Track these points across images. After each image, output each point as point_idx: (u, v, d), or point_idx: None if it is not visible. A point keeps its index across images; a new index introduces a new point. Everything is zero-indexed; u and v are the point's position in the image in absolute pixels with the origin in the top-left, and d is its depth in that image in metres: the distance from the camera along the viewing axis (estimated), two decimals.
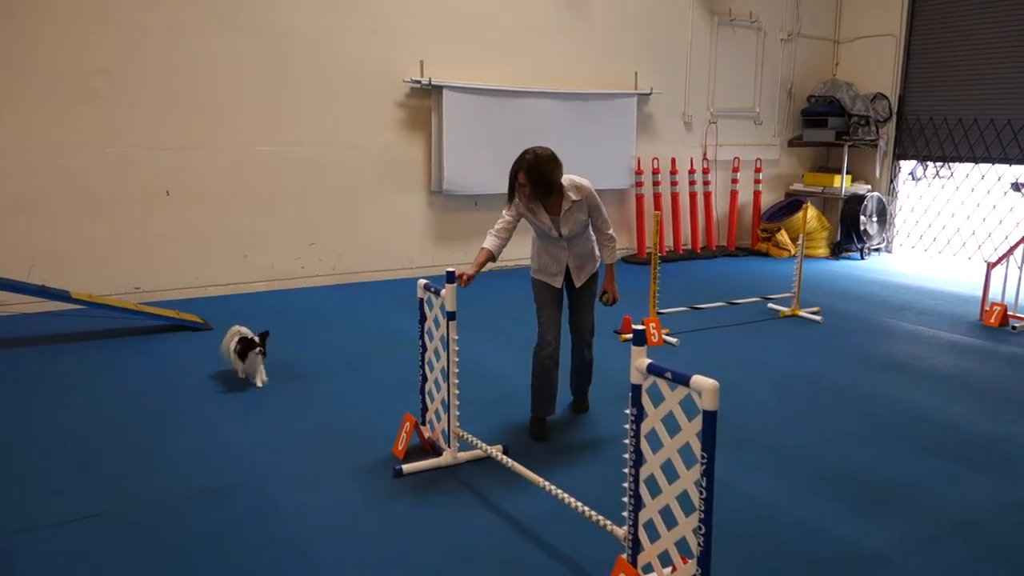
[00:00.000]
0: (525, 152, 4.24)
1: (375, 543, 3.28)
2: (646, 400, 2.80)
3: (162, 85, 7.21)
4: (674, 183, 10.31)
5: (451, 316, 3.87)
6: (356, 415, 4.70)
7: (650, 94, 9.95)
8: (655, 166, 10.13)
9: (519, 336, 6.50)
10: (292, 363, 5.66)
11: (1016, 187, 20.72)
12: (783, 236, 10.80)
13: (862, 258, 10.91)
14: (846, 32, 11.62)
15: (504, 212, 4.46)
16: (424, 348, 4.16)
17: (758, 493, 3.81)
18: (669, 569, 2.79)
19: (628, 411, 2.82)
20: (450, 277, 3.86)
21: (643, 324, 6.38)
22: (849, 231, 10.89)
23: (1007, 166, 10.23)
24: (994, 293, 7.40)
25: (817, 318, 7.25)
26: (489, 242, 4.41)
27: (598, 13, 9.52)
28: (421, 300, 4.15)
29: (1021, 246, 7.18)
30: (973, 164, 10.51)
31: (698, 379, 2.52)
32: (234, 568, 3.07)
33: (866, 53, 11.37)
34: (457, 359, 3.90)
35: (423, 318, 4.15)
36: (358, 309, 7.32)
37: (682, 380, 2.59)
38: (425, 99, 8.54)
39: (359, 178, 8.34)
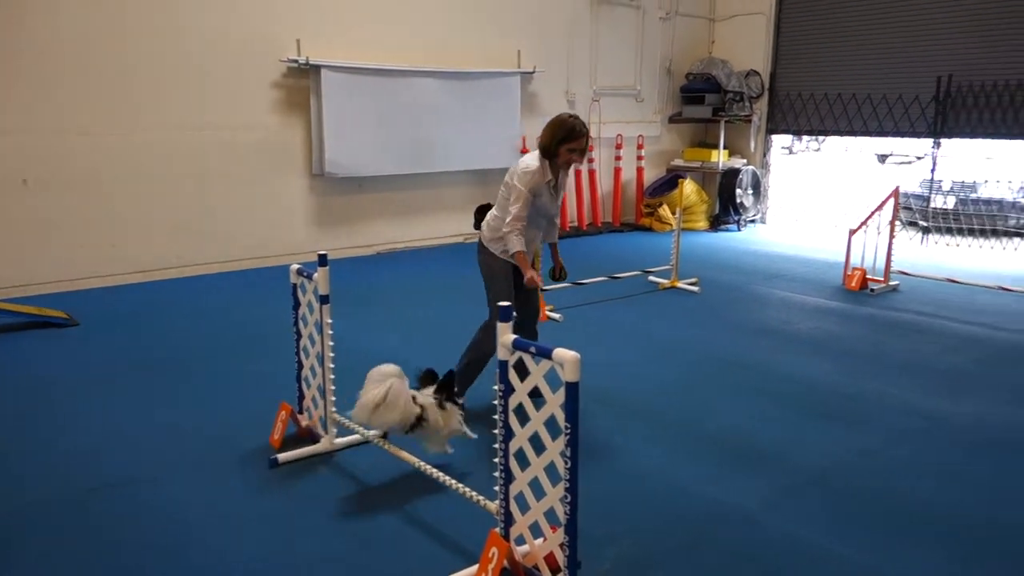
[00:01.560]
0: (567, 117, 4.20)
1: (249, 536, 3.21)
2: (513, 375, 2.83)
3: (14, 64, 6.72)
4: None
5: (324, 300, 3.80)
6: (232, 406, 4.57)
7: (533, 72, 10.01)
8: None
9: (412, 317, 6.47)
10: (166, 356, 5.44)
11: (881, 158, 22.08)
12: (665, 211, 11.12)
13: (739, 230, 11.37)
14: (721, 11, 12.00)
15: (518, 207, 4.12)
16: (299, 334, 4.07)
17: (634, 458, 3.94)
18: (541, 540, 2.85)
19: (496, 387, 2.85)
20: (322, 260, 3.78)
21: None
22: (727, 204, 11.33)
23: (873, 138, 10.85)
24: (856, 259, 7.85)
25: (695, 289, 7.52)
26: (520, 243, 4.18)
27: None
28: (294, 286, 4.06)
29: (877, 213, 7.64)
30: (841, 137, 11.09)
31: (560, 352, 2.57)
32: (98, 573, 2.94)
33: (739, 31, 11.79)
34: (332, 343, 3.84)
35: (296, 304, 4.06)
36: (237, 298, 7.09)
37: (545, 353, 2.63)
38: (303, 79, 8.30)
39: (235, 162, 8.05)
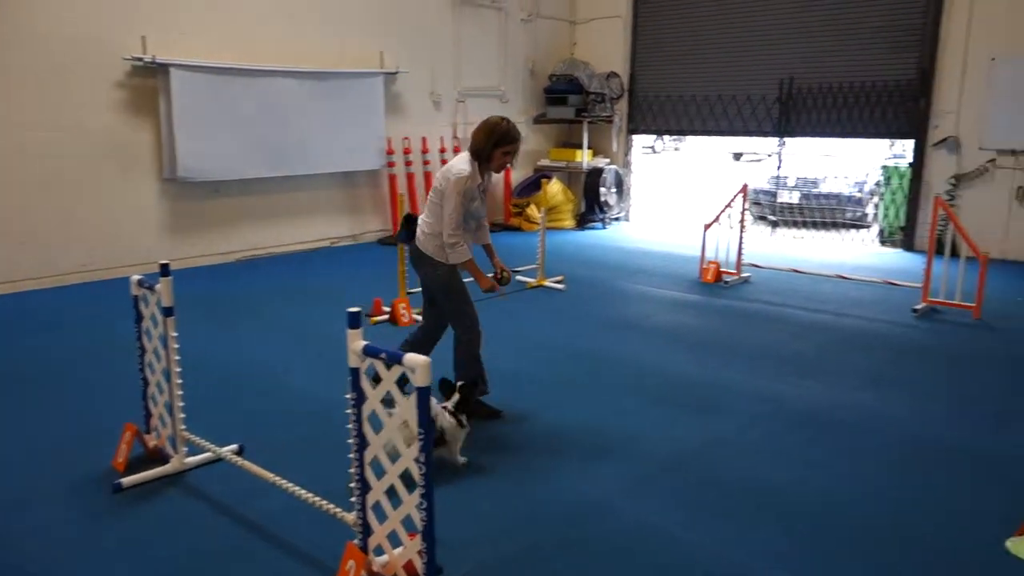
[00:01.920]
0: (499, 120, 4.18)
1: (90, 567, 2.99)
2: (365, 382, 2.77)
3: None
4: (426, 162, 10.38)
5: (168, 312, 3.60)
6: (73, 429, 4.26)
7: (396, 73, 9.90)
8: (406, 146, 10.13)
9: (278, 326, 6.25)
10: None
11: (736, 156, 23.28)
12: (533, 210, 11.27)
13: (604, 227, 11.68)
14: (581, 13, 12.29)
15: (452, 212, 4.10)
16: (142, 349, 3.84)
17: (494, 458, 3.95)
18: (400, 549, 2.81)
19: (348, 395, 2.79)
20: (164, 270, 3.58)
21: (393, 305, 6.39)
22: (592, 202, 11.61)
23: (726, 137, 11.39)
24: (711, 253, 8.22)
25: (560, 287, 7.66)
26: (467, 251, 4.26)
27: None
28: (135, 298, 3.82)
29: (728, 209, 8.03)
30: (697, 136, 11.60)
31: (411, 357, 2.54)
32: None
33: (599, 34, 12.11)
34: (178, 358, 3.64)
35: (139, 317, 3.83)
36: (80, 312, 6.63)
37: (396, 359, 2.59)
38: (150, 78, 7.86)
39: (77, 167, 7.52)
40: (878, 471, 3.88)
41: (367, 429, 2.79)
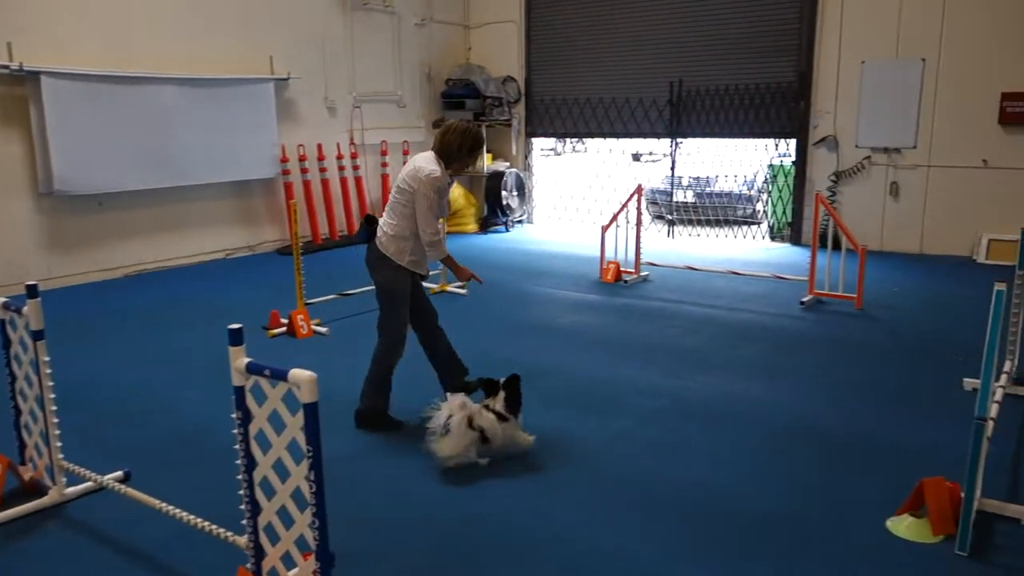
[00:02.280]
0: (471, 125, 4.32)
1: None
2: (250, 401, 2.68)
3: None
4: (323, 169, 10.18)
5: (38, 336, 3.39)
6: None
7: (288, 79, 9.67)
8: (301, 153, 9.90)
9: (168, 346, 5.98)
10: None
11: (636, 157, 23.81)
12: None
13: (507, 230, 11.74)
14: (475, 18, 12.31)
15: (429, 210, 4.18)
16: (12, 376, 3.61)
17: (389, 472, 3.90)
18: (295, 571, 2.73)
19: (234, 415, 2.69)
20: (31, 291, 3.37)
21: (291, 317, 6.24)
22: (494, 206, 11.65)
23: (622, 140, 11.62)
24: (611, 252, 8.37)
25: (463, 291, 7.65)
26: (445, 247, 4.41)
27: None
28: (2, 322, 3.59)
29: (625, 209, 8.20)
30: (593, 139, 11.80)
31: (296, 373, 2.47)
32: None
33: (494, 38, 12.16)
34: (52, 383, 3.44)
35: (7, 342, 3.59)
36: None
37: (280, 376, 2.52)
38: (18, 87, 7.41)
39: None
40: (770, 460, 4.03)
41: (255, 449, 2.70)
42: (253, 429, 2.69)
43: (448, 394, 4.06)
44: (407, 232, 4.25)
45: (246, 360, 2.63)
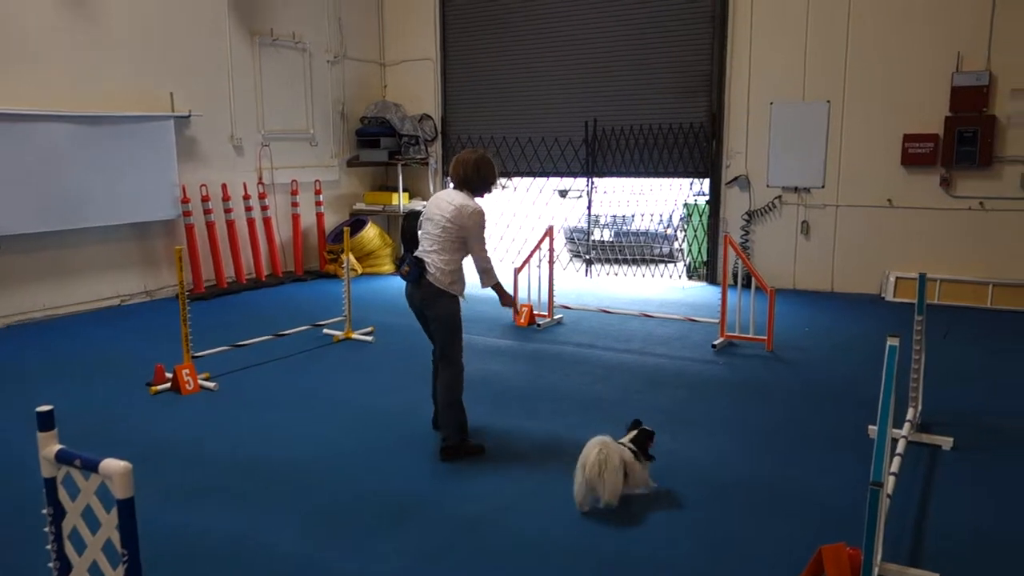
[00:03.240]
0: (491, 157, 4.64)
1: None
2: (63, 494, 2.33)
3: None
4: (228, 210, 9.75)
5: None
6: None
7: (189, 116, 9.26)
8: (204, 193, 9.47)
9: (26, 407, 5.47)
10: None
11: (562, 194, 23.91)
12: (350, 257, 10.87)
13: None
14: (391, 56, 12.13)
15: (484, 244, 4.60)
16: None
17: (271, 535, 3.55)
18: None
19: (45, 511, 2.33)
20: None
21: (175, 372, 5.81)
22: (410, 246, 11.32)
23: (539, 179, 11.51)
24: (524, 295, 8.18)
25: (369, 339, 7.33)
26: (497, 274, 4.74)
27: (117, 26, 8.57)
28: None
29: (538, 251, 8.04)
30: (511, 178, 11.67)
31: (107, 464, 2.14)
32: None
33: (410, 76, 11.99)
34: None
35: None
36: None
37: (91, 466, 2.18)
38: None
39: None
40: (676, 519, 3.83)
41: (69, 549, 2.35)
42: (66, 527, 2.34)
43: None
44: (458, 266, 4.57)
45: (56, 447, 2.29)
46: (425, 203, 11.71)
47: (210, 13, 9.58)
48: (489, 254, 4.66)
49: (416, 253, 4.67)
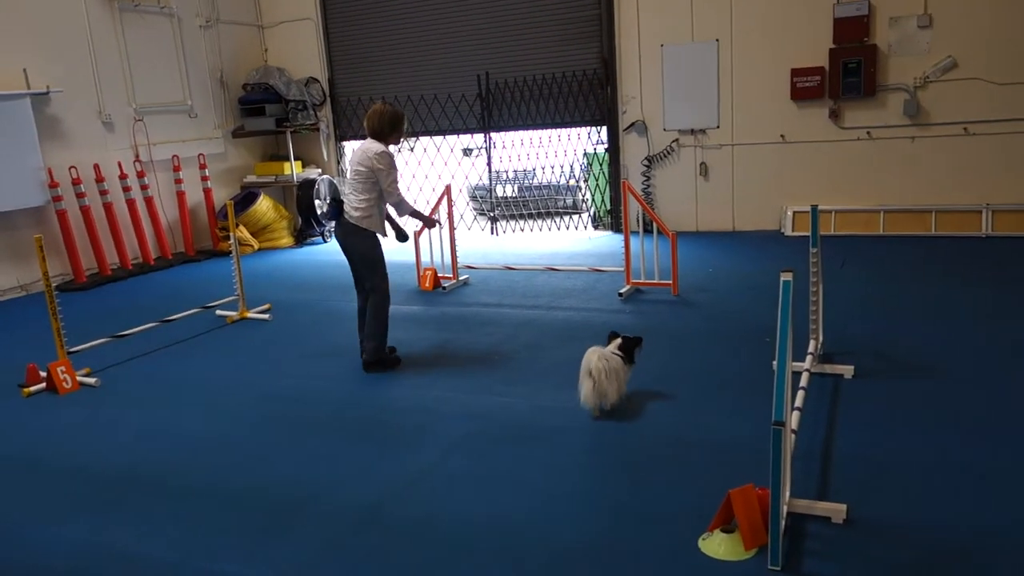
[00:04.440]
0: (393, 107, 5.23)
1: None
2: None
3: None
4: (104, 192, 9.08)
5: None
6: None
7: (48, 94, 8.53)
8: (75, 176, 8.78)
9: None
10: None
11: (467, 151, 23.50)
12: (243, 232, 10.36)
13: (325, 241, 11.04)
14: (268, 17, 11.48)
15: (393, 178, 5.14)
16: None
17: (146, 547, 3.27)
18: None
19: None
20: None
21: (49, 370, 5.36)
22: (307, 216, 10.91)
23: (436, 137, 11.16)
24: (427, 258, 7.93)
25: (266, 317, 6.97)
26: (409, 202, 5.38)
27: None
28: None
29: (437, 212, 7.78)
30: (408, 139, 11.28)
31: None
32: None
33: (292, 38, 11.40)
34: None
35: None
36: None
37: None
38: None
39: None
40: (580, 481, 3.73)
41: None
42: None
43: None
44: (370, 204, 5.13)
45: None
46: (319, 170, 11.32)
47: None
48: (400, 188, 5.19)
49: (333, 198, 5.29)
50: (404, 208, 5.29)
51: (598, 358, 4.23)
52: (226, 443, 4.40)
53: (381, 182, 5.08)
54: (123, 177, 9.36)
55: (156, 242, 9.84)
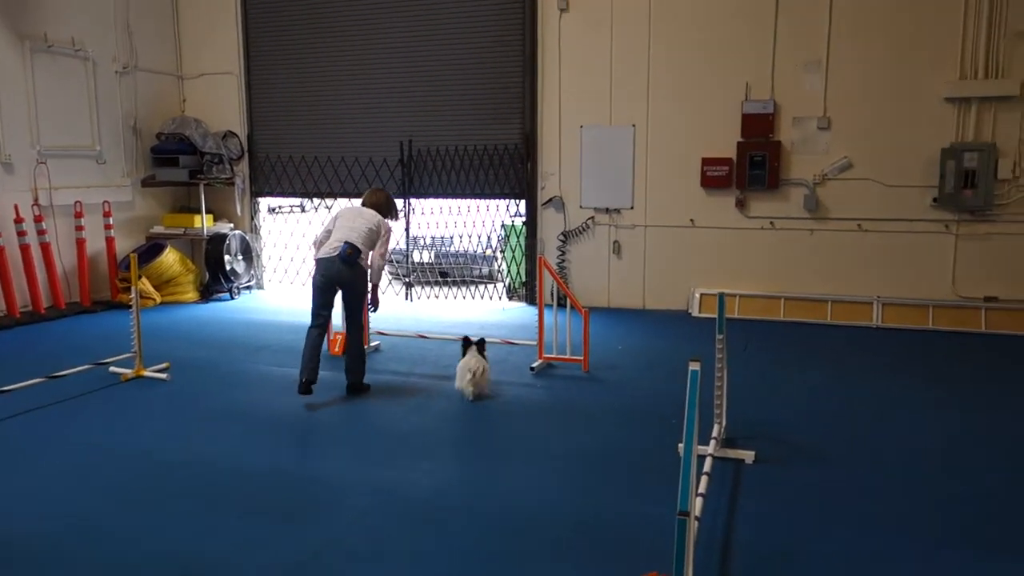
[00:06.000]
0: (382, 191, 6.75)
1: None
2: None
3: None
4: None
5: None
6: None
7: None
8: None
9: None
10: None
11: None
12: (145, 284, 9.96)
13: (232, 298, 10.74)
14: (189, 68, 11.32)
15: (390, 247, 6.52)
16: None
17: None
18: None
19: None
20: None
21: None
22: (216, 272, 10.60)
23: (359, 199, 11.09)
24: (338, 322, 7.77)
25: (163, 376, 6.65)
26: None
27: None
28: None
29: None
30: (324, 199, 11.21)
31: None
32: None
33: (212, 90, 11.25)
34: None
35: None
36: None
37: None
38: None
39: None
40: (485, 565, 3.64)
41: None
42: None
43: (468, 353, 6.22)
44: (367, 257, 6.14)
45: None
46: (232, 225, 11.06)
47: None
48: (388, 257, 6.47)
49: (348, 241, 5.96)
50: (379, 276, 6.27)
51: (476, 361, 6.05)
52: (98, 514, 4.11)
53: (379, 246, 6.16)
54: (18, 221, 8.90)
55: (49, 290, 9.33)
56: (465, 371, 6.01)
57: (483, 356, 6.14)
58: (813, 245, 9.23)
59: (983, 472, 4.70)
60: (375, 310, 6.54)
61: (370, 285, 6.24)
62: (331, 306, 6.16)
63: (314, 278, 6.12)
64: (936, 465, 4.82)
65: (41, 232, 9.19)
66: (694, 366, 3.07)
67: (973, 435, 5.34)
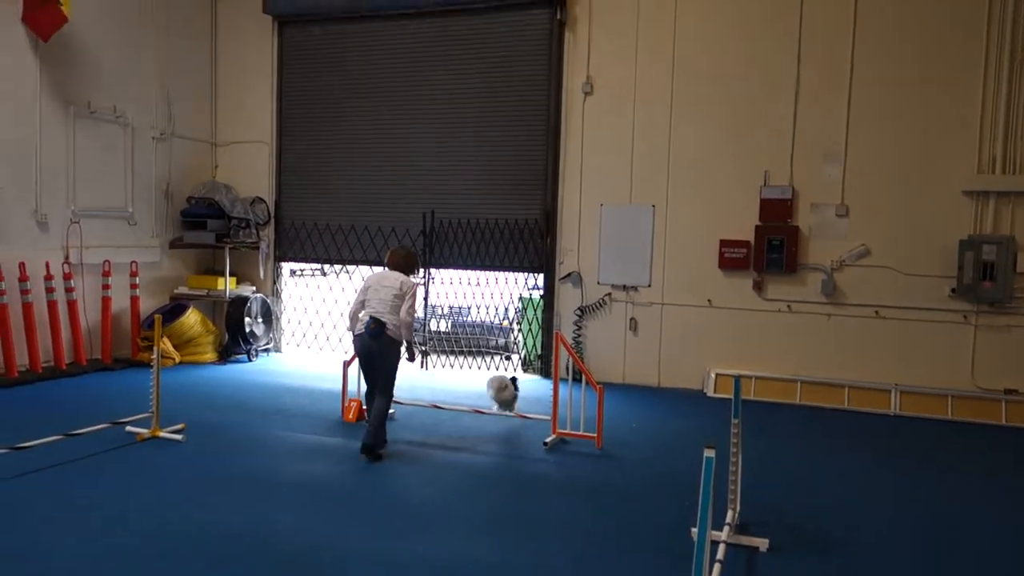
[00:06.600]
0: (406, 249, 7.13)
1: None
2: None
3: None
4: (26, 292, 8.80)
5: None
6: None
7: None
8: None
9: None
10: None
11: None
12: (166, 344, 10.09)
13: (250, 360, 10.84)
14: (223, 136, 11.71)
15: (416, 305, 6.67)
16: None
17: None
18: None
19: None
20: None
21: None
22: (236, 333, 10.74)
23: (380, 267, 11.28)
24: (353, 389, 7.83)
25: (178, 437, 6.70)
26: None
27: None
28: None
29: None
30: (347, 265, 11.41)
31: None
32: None
33: (243, 158, 11.60)
34: None
35: None
36: None
37: None
38: None
39: None
40: None
41: None
42: None
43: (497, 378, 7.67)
44: (401, 320, 6.36)
45: None
46: (254, 287, 11.24)
47: (17, 76, 8.87)
48: (415, 317, 6.60)
49: (373, 316, 6.28)
50: (410, 332, 6.48)
51: (500, 378, 7.77)
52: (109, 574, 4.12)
53: (407, 304, 6.34)
54: (48, 278, 9.12)
55: (72, 346, 9.48)
56: (501, 388, 7.72)
57: (515, 388, 7.68)
58: (830, 330, 9.23)
59: (1008, 569, 4.60)
60: (412, 360, 6.74)
61: (404, 343, 6.50)
62: (377, 374, 6.55)
63: (355, 351, 6.63)
64: (955, 559, 4.73)
65: (69, 289, 9.39)
66: (709, 453, 3.09)
67: (992, 529, 5.25)
